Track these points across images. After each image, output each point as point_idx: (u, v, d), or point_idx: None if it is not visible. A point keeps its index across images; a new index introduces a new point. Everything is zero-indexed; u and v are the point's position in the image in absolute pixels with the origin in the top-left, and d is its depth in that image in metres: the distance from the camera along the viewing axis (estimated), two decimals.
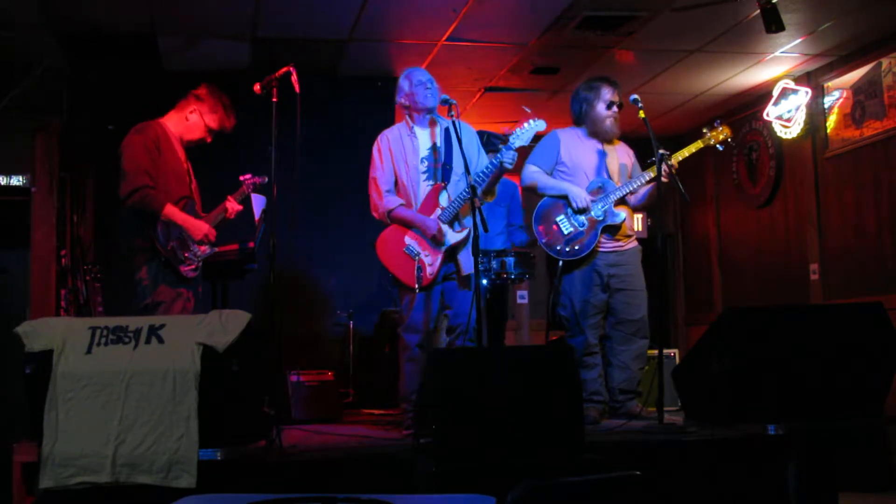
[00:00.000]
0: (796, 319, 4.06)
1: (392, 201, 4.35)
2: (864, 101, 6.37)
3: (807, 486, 3.75)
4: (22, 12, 5.36)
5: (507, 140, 4.24)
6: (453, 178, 4.33)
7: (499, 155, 4.20)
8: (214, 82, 4.57)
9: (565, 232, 4.60)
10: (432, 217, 4.29)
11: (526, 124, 4.27)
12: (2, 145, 6.50)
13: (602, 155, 4.69)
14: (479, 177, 4.20)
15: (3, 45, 5.78)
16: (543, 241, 4.66)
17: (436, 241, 4.27)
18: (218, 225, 4.52)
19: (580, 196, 4.58)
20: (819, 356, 3.83)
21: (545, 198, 4.70)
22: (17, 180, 6.60)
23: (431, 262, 4.27)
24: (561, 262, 4.65)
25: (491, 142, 5.64)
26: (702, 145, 4.63)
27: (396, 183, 4.40)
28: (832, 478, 3.88)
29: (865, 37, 6.15)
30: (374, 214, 4.42)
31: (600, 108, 4.67)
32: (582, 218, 4.58)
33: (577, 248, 4.57)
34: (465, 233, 4.29)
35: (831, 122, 6.70)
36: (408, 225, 4.33)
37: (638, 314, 4.56)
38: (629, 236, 4.67)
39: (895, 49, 6.08)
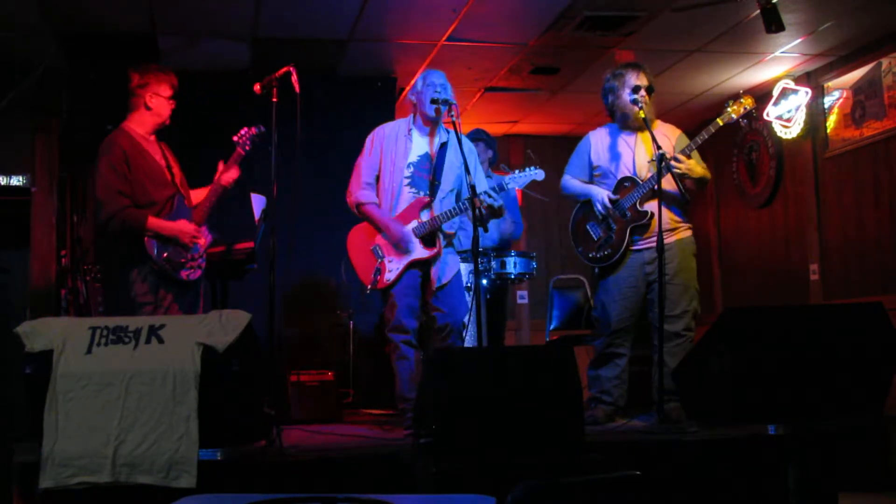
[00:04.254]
0: (796, 319, 4.06)
1: (365, 196, 4.37)
2: (864, 101, 6.37)
3: (807, 486, 3.74)
4: (22, 12, 5.36)
5: (504, 178, 4.32)
6: (439, 194, 4.33)
7: (492, 194, 4.21)
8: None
9: (595, 238, 4.56)
10: (406, 227, 4.28)
11: (527, 169, 4.31)
12: (2, 145, 6.50)
13: (631, 149, 4.55)
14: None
15: (3, 45, 5.78)
16: (580, 249, 4.63)
17: (398, 247, 4.27)
18: (218, 211, 4.42)
19: (599, 199, 4.52)
20: (819, 356, 3.82)
21: (578, 204, 4.68)
22: (17, 180, 6.60)
23: (392, 269, 4.27)
24: (597, 269, 4.61)
25: (482, 137, 5.70)
26: (721, 123, 4.40)
27: (379, 179, 4.39)
28: (832, 478, 3.88)
29: (865, 37, 6.15)
30: (347, 199, 4.46)
31: (626, 95, 4.50)
32: (610, 221, 4.50)
33: (607, 252, 4.50)
34: (432, 252, 4.27)
35: (831, 122, 6.70)
36: (374, 223, 4.35)
37: (677, 309, 4.39)
38: (672, 230, 4.45)
39: (895, 49, 6.09)
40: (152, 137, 4.40)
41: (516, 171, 4.35)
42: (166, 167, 4.35)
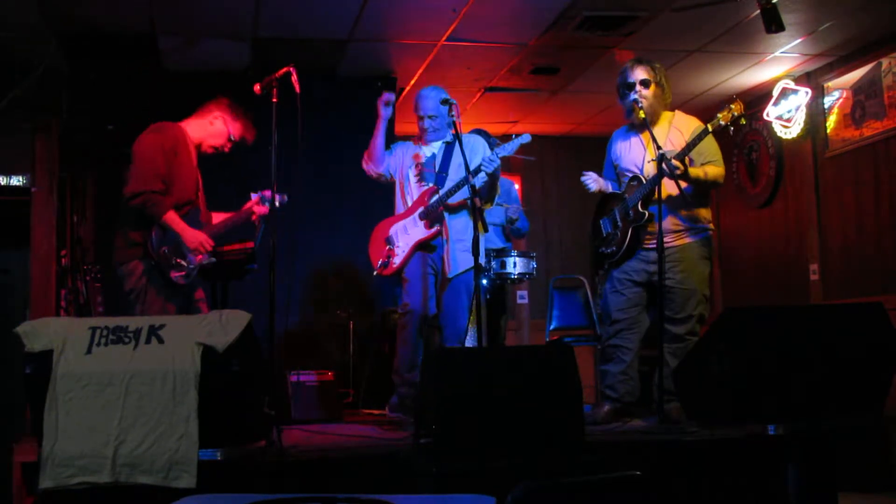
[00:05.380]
0: (796, 319, 4.06)
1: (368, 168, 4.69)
2: (864, 101, 6.37)
3: (807, 486, 3.75)
4: (22, 12, 5.36)
5: (495, 149, 4.42)
6: (447, 184, 4.49)
7: (480, 161, 4.33)
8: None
9: (604, 234, 4.59)
10: (414, 214, 4.47)
11: (513, 138, 4.37)
12: (2, 145, 6.49)
13: (642, 147, 4.50)
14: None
15: (3, 45, 5.78)
16: (594, 243, 4.69)
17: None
18: (234, 229, 4.47)
19: (584, 178, 4.59)
20: (819, 356, 3.82)
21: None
22: (17, 180, 6.60)
23: (399, 253, 4.50)
24: (606, 265, 4.64)
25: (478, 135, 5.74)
26: (710, 129, 4.31)
27: (393, 181, 4.66)
28: (832, 478, 3.88)
29: (865, 37, 6.15)
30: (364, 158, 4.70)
31: (626, 92, 4.45)
32: (617, 218, 4.49)
33: (613, 248, 4.52)
34: (431, 231, 4.46)
35: (831, 122, 6.70)
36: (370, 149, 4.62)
37: (682, 313, 4.36)
38: (677, 232, 4.41)
39: (895, 49, 6.09)
40: (195, 150, 4.45)
41: (503, 144, 4.41)
42: (196, 179, 4.41)
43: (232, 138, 4.49)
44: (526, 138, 4.38)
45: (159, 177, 4.15)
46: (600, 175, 4.72)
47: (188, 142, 4.38)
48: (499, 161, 4.33)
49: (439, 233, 4.47)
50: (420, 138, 4.67)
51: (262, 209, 4.42)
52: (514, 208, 5.74)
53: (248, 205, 4.45)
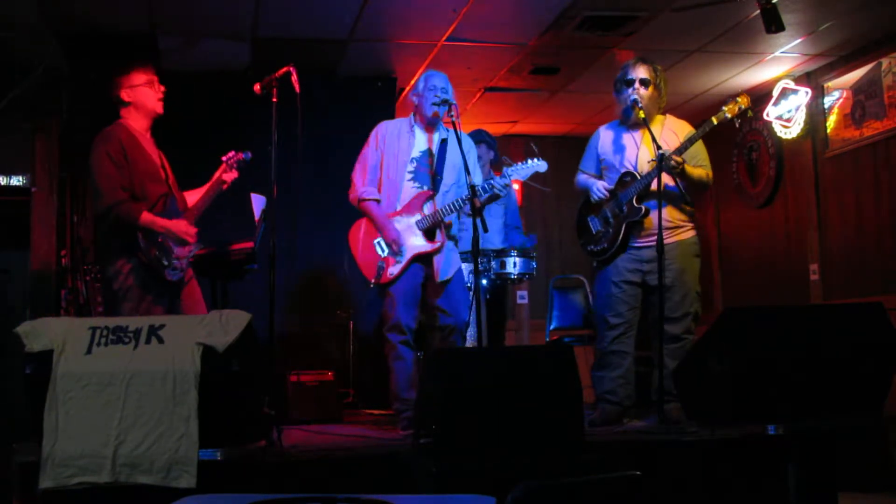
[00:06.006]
0: (796, 319, 4.05)
1: (368, 192, 4.39)
2: (864, 101, 6.37)
3: (807, 486, 3.74)
4: (22, 12, 5.37)
5: (505, 168, 4.34)
6: (441, 188, 4.36)
7: (492, 180, 4.26)
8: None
9: (594, 231, 4.55)
10: (404, 227, 4.31)
11: (529, 161, 4.30)
12: (2, 145, 6.50)
13: (636, 145, 4.48)
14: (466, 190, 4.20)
15: (3, 45, 5.79)
16: (581, 241, 4.63)
17: (391, 247, 4.28)
18: (210, 213, 4.40)
19: (595, 188, 4.51)
20: (819, 356, 3.82)
21: (583, 198, 4.66)
22: (17, 180, 6.61)
23: (395, 263, 4.29)
24: (595, 263, 4.60)
25: (484, 139, 5.70)
26: (715, 122, 4.28)
27: (382, 174, 4.41)
28: (832, 478, 3.88)
29: (865, 37, 6.16)
30: (349, 193, 4.47)
31: (623, 88, 4.43)
32: (608, 215, 4.46)
33: (604, 246, 4.47)
34: (435, 245, 4.30)
35: (831, 122, 6.70)
36: (372, 220, 4.36)
37: (678, 311, 4.35)
38: (672, 229, 4.39)
39: (895, 49, 6.09)
40: (148, 135, 4.37)
41: (518, 164, 4.35)
42: (161, 167, 4.32)
43: (154, 82, 4.39)
44: (542, 167, 4.31)
45: (120, 186, 4.08)
46: (578, 168, 4.71)
47: (136, 135, 4.27)
48: (508, 182, 4.28)
49: (441, 246, 4.32)
50: (416, 120, 4.44)
51: (231, 175, 4.36)
52: (531, 245, 5.79)
53: (217, 173, 4.37)
